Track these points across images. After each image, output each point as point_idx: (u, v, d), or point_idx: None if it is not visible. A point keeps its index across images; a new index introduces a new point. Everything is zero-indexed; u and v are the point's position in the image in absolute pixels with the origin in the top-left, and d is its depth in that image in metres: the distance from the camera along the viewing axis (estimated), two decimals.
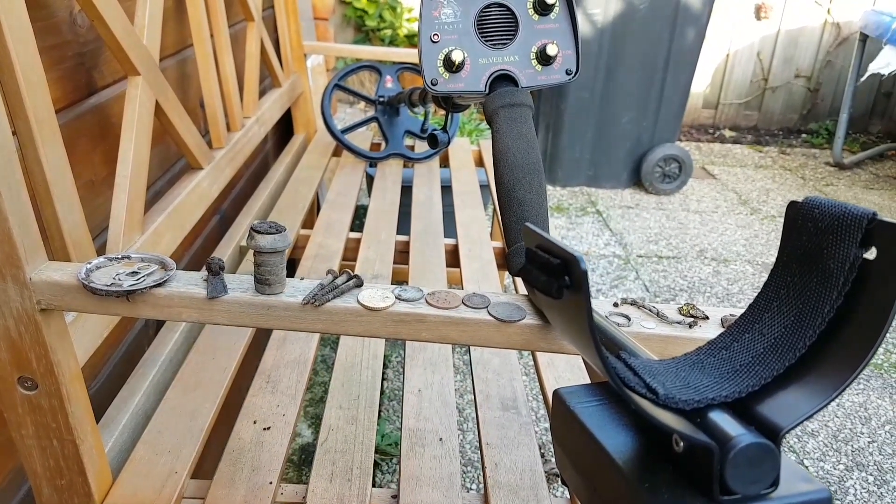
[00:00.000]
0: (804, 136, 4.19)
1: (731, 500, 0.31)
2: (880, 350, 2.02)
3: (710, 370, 0.37)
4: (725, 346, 0.39)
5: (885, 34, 3.05)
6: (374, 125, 1.87)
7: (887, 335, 0.37)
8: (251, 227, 0.58)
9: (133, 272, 0.60)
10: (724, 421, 0.33)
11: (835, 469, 1.56)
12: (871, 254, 0.34)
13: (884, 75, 2.97)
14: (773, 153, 3.88)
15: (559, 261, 0.35)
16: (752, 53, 4.08)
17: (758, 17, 4.00)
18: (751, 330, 0.38)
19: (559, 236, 2.74)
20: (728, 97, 4.20)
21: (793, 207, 0.38)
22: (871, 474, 1.55)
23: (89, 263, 0.60)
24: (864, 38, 3.31)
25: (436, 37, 0.70)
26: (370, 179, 1.82)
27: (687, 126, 4.23)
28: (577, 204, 3.04)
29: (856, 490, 1.50)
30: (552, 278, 0.35)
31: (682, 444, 0.33)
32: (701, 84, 4.11)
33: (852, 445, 1.64)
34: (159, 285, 0.59)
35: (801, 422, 0.32)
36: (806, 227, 0.37)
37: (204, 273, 0.61)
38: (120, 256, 0.63)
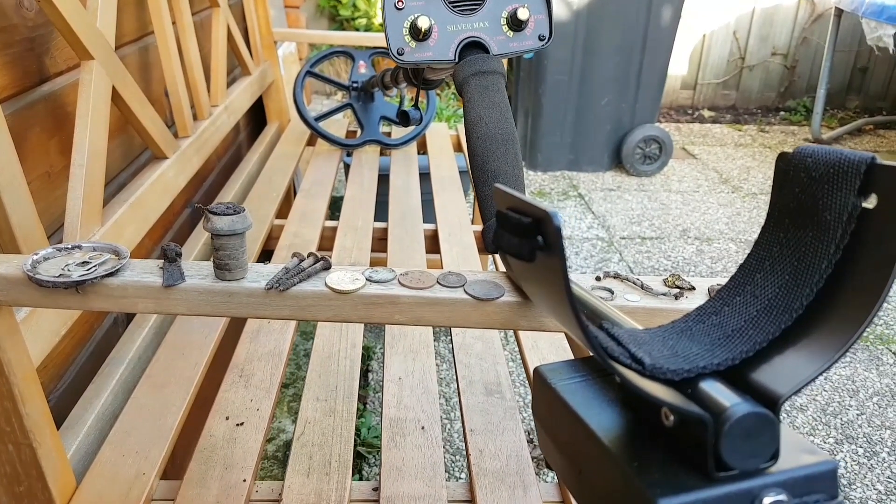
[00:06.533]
0: (782, 113, 4.19)
1: (727, 477, 0.28)
2: None
3: (699, 337, 0.34)
4: (715, 312, 0.36)
5: (860, 8, 3.04)
6: (349, 112, 1.83)
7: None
8: (206, 209, 0.54)
9: (84, 262, 0.57)
10: (717, 390, 0.30)
11: (825, 443, 1.55)
12: (870, 202, 0.31)
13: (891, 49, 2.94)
14: (753, 131, 3.88)
15: (531, 219, 0.32)
16: (728, 33, 4.07)
17: None
18: (742, 293, 0.35)
19: None
20: (706, 77, 4.18)
21: (783, 158, 0.35)
22: (860, 446, 1.54)
23: (36, 255, 0.57)
24: (839, 12, 3.30)
25: (400, 3, 0.66)
26: (347, 169, 1.78)
27: (666, 107, 4.21)
28: (559, 188, 3.01)
29: (846, 463, 1.49)
30: (524, 240, 0.32)
31: (672, 417, 0.30)
32: (678, 65, 4.09)
33: (841, 419, 1.63)
34: (111, 275, 0.55)
35: (802, 388, 0.29)
36: (798, 178, 0.34)
37: (160, 261, 0.57)
38: (70, 247, 0.59)
